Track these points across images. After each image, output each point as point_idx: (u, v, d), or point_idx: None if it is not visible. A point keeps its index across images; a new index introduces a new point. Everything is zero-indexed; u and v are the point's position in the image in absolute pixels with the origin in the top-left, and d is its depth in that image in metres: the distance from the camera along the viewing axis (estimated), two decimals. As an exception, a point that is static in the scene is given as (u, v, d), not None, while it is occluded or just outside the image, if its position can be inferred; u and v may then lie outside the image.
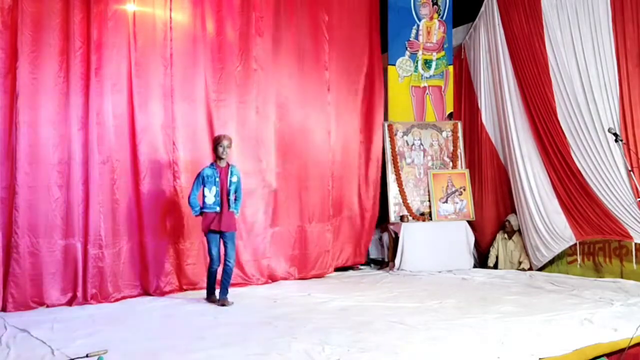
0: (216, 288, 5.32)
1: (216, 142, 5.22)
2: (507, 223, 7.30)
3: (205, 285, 5.50)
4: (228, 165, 5.30)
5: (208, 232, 5.18)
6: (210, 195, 5.16)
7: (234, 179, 5.26)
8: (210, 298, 5.32)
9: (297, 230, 6.77)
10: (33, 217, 5.04)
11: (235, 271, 5.99)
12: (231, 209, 5.24)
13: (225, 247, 5.25)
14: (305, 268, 6.75)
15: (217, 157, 5.22)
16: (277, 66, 6.68)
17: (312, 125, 7.00)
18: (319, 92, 7.08)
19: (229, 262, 5.24)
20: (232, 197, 5.24)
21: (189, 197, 5.25)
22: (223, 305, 5.09)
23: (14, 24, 5.03)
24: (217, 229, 5.15)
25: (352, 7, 7.44)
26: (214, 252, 5.19)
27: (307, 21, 6.98)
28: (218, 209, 5.16)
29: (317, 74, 7.07)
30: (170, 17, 5.90)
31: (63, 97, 5.25)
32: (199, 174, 5.23)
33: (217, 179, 5.16)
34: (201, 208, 5.20)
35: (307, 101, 6.97)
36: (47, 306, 5.02)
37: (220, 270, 5.27)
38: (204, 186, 5.17)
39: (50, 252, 5.11)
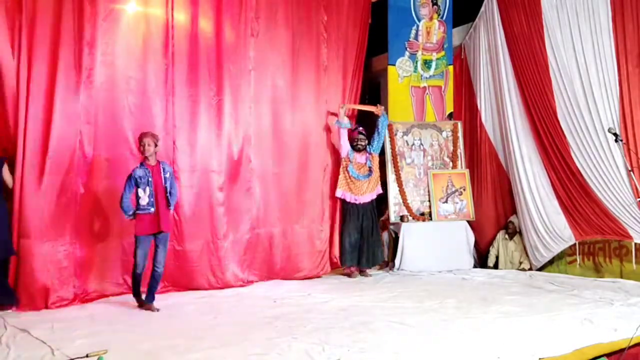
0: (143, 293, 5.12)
1: (139, 140, 4.98)
2: (510, 224, 7.30)
3: (205, 286, 5.47)
4: (158, 162, 5.08)
5: (142, 234, 4.93)
6: (145, 196, 4.91)
7: (167, 175, 5.07)
8: (140, 303, 5.08)
9: (291, 231, 6.71)
10: (31, 217, 5.01)
11: (234, 271, 6.02)
12: (168, 207, 5.07)
13: (156, 250, 5.02)
14: (297, 269, 6.69)
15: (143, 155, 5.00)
16: (273, 67, 6.65)
17: (309, 126, 6.96)
18: (316, 92, 7.04)
19: (158, 267, 5.01)
20: (168, 195, 5.04)
21: (120, 201, 4.91)
22: (149, 310, 4.91)
23: (13, 23, 5.02)
24: (156, 230, 4.96)
25: (350, 7, 7.35)
26: (141, 254, 4.91)
27: (304, 21, 6.93)
28: (152, 209, 4.92)
29: (314, 74, 7.02)
30: (172, 16, 5.88)
31: (62, 95, 5.21)
32: (130, 176, 4.93)
33: (150, 179, 4.94)
34: (134, 210, 4.96)
35: (304, 102, 6.93)
36: (48, 306, 5.00)
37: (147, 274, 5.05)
38: (137, 187, 4.94)
39: (50, 253, 5.08)
